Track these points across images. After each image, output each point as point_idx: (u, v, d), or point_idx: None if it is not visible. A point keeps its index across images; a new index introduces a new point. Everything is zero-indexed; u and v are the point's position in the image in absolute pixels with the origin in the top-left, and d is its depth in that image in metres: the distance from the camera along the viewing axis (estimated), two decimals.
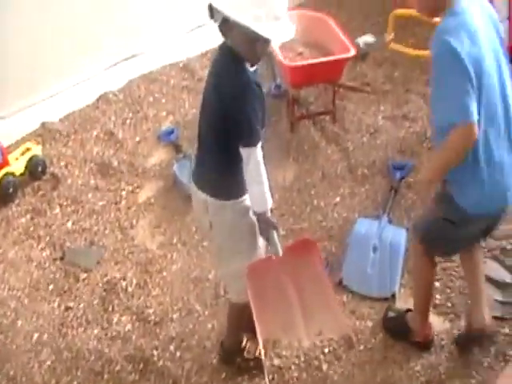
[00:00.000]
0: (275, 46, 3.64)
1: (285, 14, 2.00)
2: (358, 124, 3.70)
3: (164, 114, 3.89)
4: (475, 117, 1.93)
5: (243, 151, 2.00)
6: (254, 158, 2.01)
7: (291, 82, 3.62)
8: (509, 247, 2.87)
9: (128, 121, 3.84)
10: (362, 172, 3.36)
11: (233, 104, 1.96)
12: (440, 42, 1.97)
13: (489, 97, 2.00)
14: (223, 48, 2.00)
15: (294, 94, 3.71)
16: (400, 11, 3.98)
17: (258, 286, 2.14)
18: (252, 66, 2.02)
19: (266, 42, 1.93)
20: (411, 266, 2.55)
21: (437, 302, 2.68)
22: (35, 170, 3.38)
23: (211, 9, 1.93)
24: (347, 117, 3.76)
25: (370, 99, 3.93)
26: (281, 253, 2.17)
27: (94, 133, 3.73)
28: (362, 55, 4.17)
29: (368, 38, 4.14)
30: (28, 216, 3.22)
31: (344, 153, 3.49)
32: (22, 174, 3.35)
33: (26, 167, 3.36)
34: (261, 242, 2.22)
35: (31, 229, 3.16)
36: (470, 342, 2.48)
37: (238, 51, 1.96)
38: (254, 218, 2.14)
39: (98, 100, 3.98)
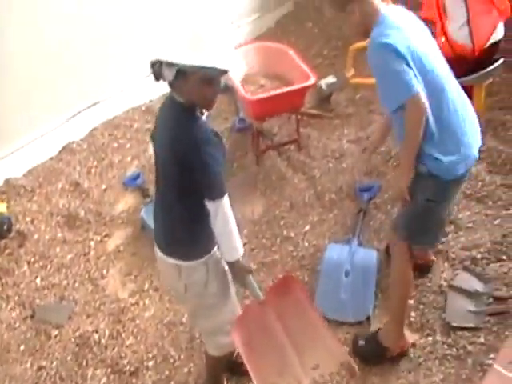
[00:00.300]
0: (236, 80, 3.70)
1: (228, 43, 2.06)
2: (323, 150, 3.75)
3: (129, 159, 3.92)
4: (417, 87, 2.13)
5: (211, 205, 1.98)
6: (222, 210, 2.00)
7: (254, 115, 3.66)
8: (478, 256, 2.91)
9: (93, 169, 3.85)
10: (330, 198, 3.39)
11: (194, 159, 1.93)
12: (373, 47, 2.20)
13: (431, 71, 2.20)
14: (172, 101, 1.99)
15: (258, 127, 3.76)
16: (357, 45, 4.04)
17: (245, 336, 2.15)
18: (207, 111, 2.04)
19: (219, 79, 1.96)
20: (391, 273, 2.57)
21: (411, 319, 2.70)
22: (1, 228, 3.37)
23: (157, 69, 1.93)
24: (312, 144, 3.81)
25: (334, 124, 4.00)
26: (261, 296, 2.20)
27: (59, 185, 3.73)
28: (327, 97, 4.20)
29: (329, 80, 4.17)
30: None
31: (311, 180, 3.52)
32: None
33: None
34: (233, 289, 2.23)
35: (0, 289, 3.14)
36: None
37: (193, 101, 1.96)
38: (226, 266, 2.16)
39: (61, 151, 4.00)
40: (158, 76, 1.95)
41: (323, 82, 4.17)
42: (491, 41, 3.12)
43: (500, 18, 3.11)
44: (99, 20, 4.02)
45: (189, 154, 1.94)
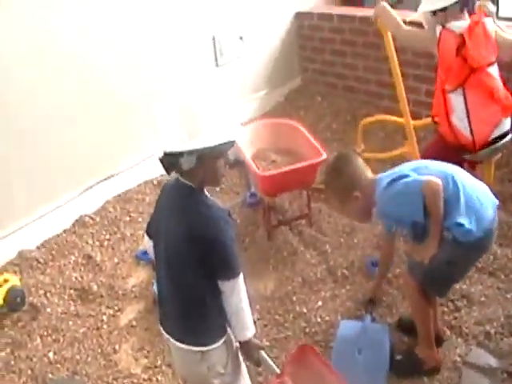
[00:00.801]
0: (248, 155, 3.85)
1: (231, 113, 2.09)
2: (334, 225, 3.86)
3: (141, 232, 4.03)
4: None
5: (226, 285, 2.04)
6: (238, 288, 2.07)
7: (265, 191, 3.79)
8: (492, 331, 2.97)
9: (105, 243, 3.97)
10: (342, 273, 3.47)
11: (213, 240, 1.99)
12: (385, 200, 2.59)
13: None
14: (180, 186, 2.04)
15: (270, 202, 3.87)
16: (367, 120, 4.23)
17: None
18: (217, 187, 2.16)
19: (227, 152, 2.04)
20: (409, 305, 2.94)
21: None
22: (14, 301, 3.46)
23: (173, 160, 1.95)
24: (323, 219, 3.93)
25: None
26: (277, 370, 2.28)
27: (72, 258, 3.85)
28: None
29: None
30: (8, 349, 3.26)
31: (323, 256, 3.62)
32: (0, 307, 3.43)
33: (4, 299, 3.44)
34: (243, 365, 2.32)
35: (12, 362, 3.19)
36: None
37: (207, 180, 2.03)
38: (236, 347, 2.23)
39: (74, 224, 4.13)
40: (172, 168, 1.99)
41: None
42: (494, 135, 3.22)
43: (503, 113, 3.21)
44: (112, 95, 4.22)
45: (208, 235, 1.99)
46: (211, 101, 2.01)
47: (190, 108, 1.96)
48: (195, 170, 1.97)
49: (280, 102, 5.51)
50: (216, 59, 4.93)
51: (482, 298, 3.18)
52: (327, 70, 5.50)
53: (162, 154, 1.96)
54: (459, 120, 3.18)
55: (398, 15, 3.45)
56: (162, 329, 2.25)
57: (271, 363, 2.28)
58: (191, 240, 2.01)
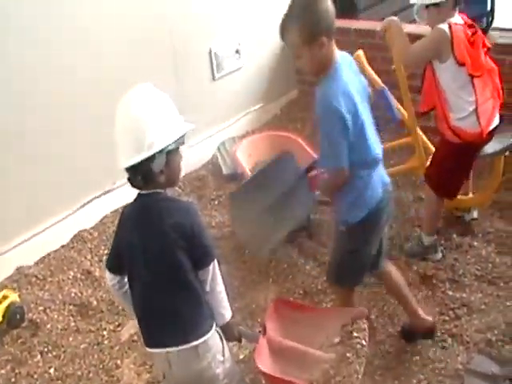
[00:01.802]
0: (246, 168, 3.91)
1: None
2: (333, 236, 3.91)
3: None
4: (345, 162, 2.48)
5: (207, 270, 2.18)
6: (216, 271, 2.22)
7: None
8: (493, 338, 3.04)
9: (104, 257, 4.02)
10: None
11: (192, 230, 2.13)
12: (325, 106, 2.45)
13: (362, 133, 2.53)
14: (145, 199, 2.16)
15: None
16: None
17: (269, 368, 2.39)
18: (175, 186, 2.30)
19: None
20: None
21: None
22: (13, 318, 3.51)
23: (145, 167, 2.05)
24: (322, 231, 4.00)
25: None
26: (258, 334, 2.53)
27: (71, 273, 3.90)
28: None
29: None
30: (8, 366, 3.31)
31: (323, 267, 3.66)
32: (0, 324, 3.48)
33: (3, 316, 3.49)
34: None
35: (13, 380, 3.23)
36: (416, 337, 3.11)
37: (172, 180, 2.17)
38: None
39: (72, 240, 4.18)
40: (147, 176, 2.08)
41: None
42: (493, 125, 3.32)
43: (497, 103, 3.33)
44: (110, 110, 4.28)
45: (187, 224, 2.13)
46: (152, 104, 2.13)
47: (138, 117, 2.09)
48: (166, 171, 2.10)
49: (276, 115, 5.59)
50: (213, 72, 5.01)
51: (482, 306, 3.25)
52: None
53: (128, 168, 2.08)
54: (464, 117, 3.24)
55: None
56: (154, 349, 2.27)
57: (251, 332, 2.51)
58: (174, 236, 2.11)
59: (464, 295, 3.31)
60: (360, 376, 2.39)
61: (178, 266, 2.15)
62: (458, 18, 3.23)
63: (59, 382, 3.20)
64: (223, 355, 2.30)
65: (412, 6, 3.41)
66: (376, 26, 4.94)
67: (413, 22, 5.41)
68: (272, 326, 2.52)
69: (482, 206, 3.89)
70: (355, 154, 2.51)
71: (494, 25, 4.22)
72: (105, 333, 3.47)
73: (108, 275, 2.33)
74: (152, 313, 2.24)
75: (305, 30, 2.42)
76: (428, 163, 3.65)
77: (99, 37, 4.11)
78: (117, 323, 3.52)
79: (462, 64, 3.14)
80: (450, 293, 3.35)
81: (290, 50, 2.55)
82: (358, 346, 2.48)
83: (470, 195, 3.78)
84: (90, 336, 3.44)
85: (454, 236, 3.74)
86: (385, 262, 3.00)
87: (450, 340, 3.08)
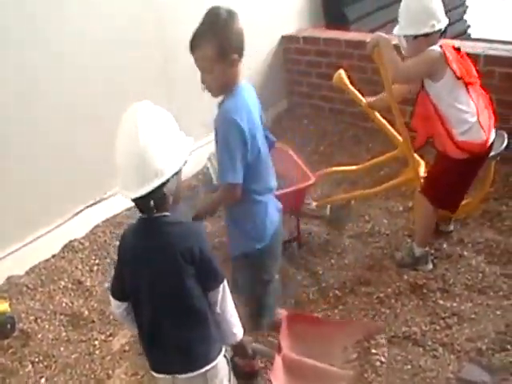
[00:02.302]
0: None
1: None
2: (324, 246, 3.97)
3: None
4: (238, 179, 2.50)
5: (217, 292, 2.13)
6: (226, 291, 2.17)
7: None
8: (484, 347, 3.06)
9: (95, 267, 4.03)
10: (334, 294, 3.55)
11: (202, 253, 2.07)
12: (226, 120, 2.50)
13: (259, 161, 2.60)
14: (156, 219, 2.06)
15: None
16: (324, 171, 4.28)
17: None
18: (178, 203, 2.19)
19: None
20: None
21: None
22: (4, 328, 3.51)
23: (159, 193, 2.00)
24: (313, 241, 4.03)
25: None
26: (274, 353, 2.59)
27: (62, 283, 3.90)
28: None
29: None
30: None
31: (314, 277, 3.71)
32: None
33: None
34: None
35: None
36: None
37: (175, 200, 2.10)
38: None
39: (63, 249, 4.19)
40: (160, 200, 2.03)
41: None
42: (492, 137, 3.39)
43: (492, 116, 3.40)
44: (102, 121, 4.30)
45: (195, 248, 2.06)
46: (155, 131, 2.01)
47: (147, 143, 1.97)
48: (173, 194, 2.08)
49: (266, 125, 5.60)
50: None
51: (473, 315, 3.28)
52: (314, 92, 5.64)
53: (142, 195, 1.98)
54: (468, 130, 3.28)
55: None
56: (161, 374, 2.24)
57: (265, 348, 2.50)
58: (184, 263, 2.06)
59: (454, 304, 3.34)
60: None
61: (187, 293, 2.10)
62: (440, 41, 3.33)
63: None
64: (229, 380, 2.29)
65: None
66: (366, 37, 5.03)
67: None
68: (286, 343, 2.52)
69: (469, 214, 3.94)
70: (254, 178, 2.58)
71: (484, 36, 4.31)
72: (96, 343, 3.47)
73: (114, 303, 2.25)
74: (160, 341, 2.17)
75: (220, 46, 2.47)
76: (424, 176, 3.69)
77: (93, 36, 4.15)
78: (108, 333, 3.52)
79: (459, 77, 3.21)
80: (441, 302, 3.38)
81: (200, 64, 2.54)
82: (378, 364, 2.52)
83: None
84: (82, 346, 3.44)
85: (445, 246, 3.78)
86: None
87: (440, 349, 3.10)
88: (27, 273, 4.02)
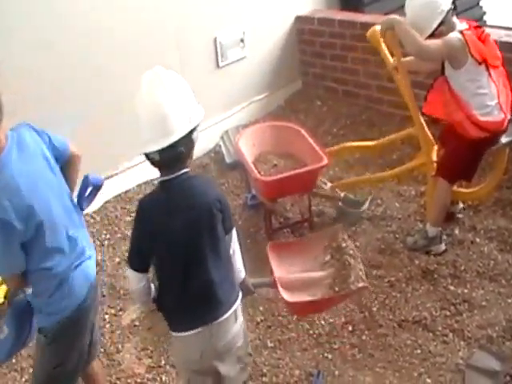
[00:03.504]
0: (249, 159, 3.89)
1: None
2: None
3: None
4: (19, 268, 2.23)
5: (232, 234, 2.33)
6: (235, 234, 2.37)
7: (266, 196, 3.83)
8: (494, 335, 3.05)
9: (106, 242, 4.01)
10: None
11: (224, 201, 2.25)
12: None
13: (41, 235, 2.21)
14: (180, 176, 2.13)
15: (270, 206, 3.90)
16: (332, 149, 4.21)
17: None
18: None
19: None
20: None
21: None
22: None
23: (187, 140, 2.10)
24: (324, 222, 3.99)
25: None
26: (271, 280, 2.80)
27: None
28: None
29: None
30: None
31: None
32: (1, 304, 3.44)
33: (4, 297, 3.45)
34: None
35: (14, 361, 3.22)
36: None
37: (191, 160, 2.20)
38: None
39: None
40: (188, 149, 2.13)
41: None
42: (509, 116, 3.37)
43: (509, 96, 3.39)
44: (114, 96, 4.27)
45: (220, 197, 2.25)
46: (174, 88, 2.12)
47: (178, 93, 2.10)
48: (189, 150, 2.16)
49: (280, 106, 5.57)
50: (217, 60, 4.98)
51: (484, 303, 3.25)
52: (327, 74, 5.56)
53: (165, 148, 2.06)
54: (489, 110, 3.27)
55: None
56: (198, 328, 2.23)
57: (263, 280, 2.82)
58: (215, 209, 2.19)
59: (465, 291, 3.32)
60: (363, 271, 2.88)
61: (219, 237, 2.23)
62: (461, 25, 3.27)
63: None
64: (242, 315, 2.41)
65: None
66: (381, 20, 4.95)
67: None
68: (276, 269, 2.87)
69: (482, 201, 3.90)
70: (38, 255, 2.24)
71: (500, 23, 4.22)
72: (106, 317, 3.46)
73: (136, 278, 2.23)
74: (197, 292, 2.21)
75: None
76: (439, 157, 3.65)
77: (109, 25, 4.12)
78: (118, 308, 3.51)
79: (482, 62, 3.18)
80: (452, 288, 3.35)
81: None
82: (351, 252, 2.95)
83: (471, 189, 3.76)
84: None
85: (456, 232, 3.75)
86: (95, 355, 2.69)
87: (451, 335, 3.08)
88: None
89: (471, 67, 3.19)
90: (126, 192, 4.50)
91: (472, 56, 3.17)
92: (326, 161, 3.78)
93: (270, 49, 5.45)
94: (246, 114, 5.31)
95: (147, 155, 2.12)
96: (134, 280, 2.25)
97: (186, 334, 2.25)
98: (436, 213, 3.62)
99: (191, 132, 2.10)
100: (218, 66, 5.00)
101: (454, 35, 3.20)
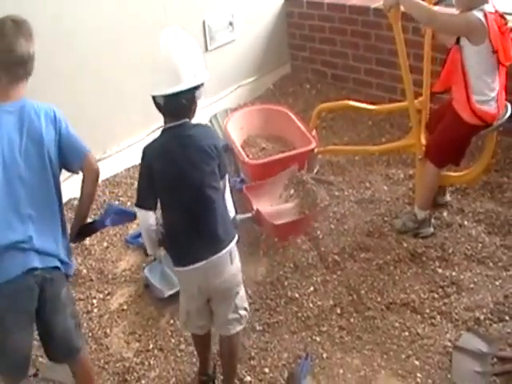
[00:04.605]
0: (237, 142, 3.86)
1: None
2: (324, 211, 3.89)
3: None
4: None
5: (226, 177, 2.56)
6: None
7: (254, 179, 3.80)
8: (481, 317, 3.03)
9: None
10: (333, 259, 3.50)
11: (221, 147, 2.48)
12: None
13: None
14: (182, 124, 2.40)
15: None
16: (325, 105, 4.18)
17: None
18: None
19: None
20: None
21: (418, 380, 2.80)
22: None
23: (194, 91, 2.35)
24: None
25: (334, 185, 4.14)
26: (252, 212, 3.33)
27: None
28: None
29: None
30: None
31: (313, 242, 3.64)
32: None
33: None
34: None
35: None
36: None
37: (191, 113, 2.44)
38: None
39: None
40: (192, 101, 2.39)
41: None
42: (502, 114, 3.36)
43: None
44: (102, 80, 4.21)
45: (218, 143, 2.49)
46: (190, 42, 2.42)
47: (193, 47, 2.41)
48: (194, 103, 2.42)
49: (269, 89, 5.52)
50: (206, 43, 4.92)
51: (471, 285, 3.24)
52: (316, 57, 5.51)
53: (169, 95, 2.32)
54: (486, 101, 3.25)
55: None
56: (195, 264, 2.43)
57: (246, 215, 3.26)
58: (212, 153, 2.41)
59: (453, 274, 3.30)
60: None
61: (217, 179, 2.45)
62: (490, 7, 3.17)
63: None
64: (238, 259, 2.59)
65: None
66: (371, 3, 4.90)
67: None
68: (256, 204, 3.42)
69: (470, 184, 3.88)
70: None
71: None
72: (94, 301, 3.43)
73: (148, 215, 2.47)
74: (196, 229, 2.43)
75: None
76: (428, 143, 3.61)
77: (95, 8, 4.07)
78: (106, 292, 3.48)
79: (495, 51, 3.12)
80: (440, 271, 3.33)
81: None
82: (312, 181, 3.52)
83: (460, 173, 3.74)
84: (80, 304, 3.39)
85: (445, 215, 3.72)
86: (65, 356, 2.61)
87: (438, 317, 3.07)
88: None
89: (485, 51, 3.13)
90: (115, 176, 4.45)
91: (490, 40, 3.09)
92: (314, 144, 3.75)
93: (259, 32, 5.40)
94: (235, 98, 5.27)
95: (154, 99, 2.39)
96: (142, 218, 2.49)
97: (187, 268, 2.45)
98: (424, 196, 3.60)
99: (195, 89, 2.34)
100: (206, 49, 4.94)
101: (477, 13, 3.09)
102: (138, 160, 4.36)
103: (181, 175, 2.38)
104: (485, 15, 3.09)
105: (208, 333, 2.77)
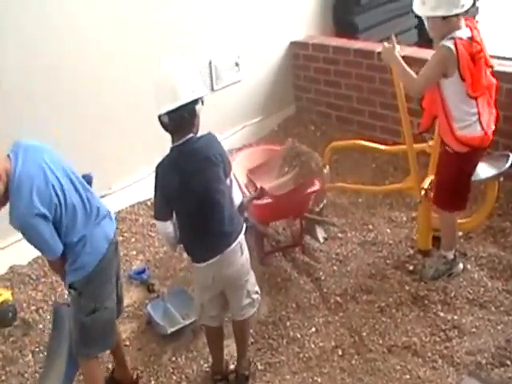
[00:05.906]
0: (241, 182, 3.94)
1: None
2: (327, 253, 3.97)
3: (134, 253, 4.11)
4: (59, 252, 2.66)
5: (230, 175, 2.83)
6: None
7: (258, 219, 3.88)
8: (483, 361, 3.07)
9: None
10: (335, 300, 3.57)
11: (223, 151, 2.80)
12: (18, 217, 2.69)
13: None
14: (188, 141, 2.67)
15: (262, 229, 3.96)
16: (337, 143, 4.36)
17: None
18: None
19: None
20: None
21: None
22: (5, 316, 3.53)
23: (193, 107, 2.64)
24: (316, 247, 4.03)
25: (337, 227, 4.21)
26: (259, 191, 3.53)
27: None
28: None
29: None
30: None
31: (316, 282, 3.72)
32: None
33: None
34: None
35: (3, 378, 3.25)
36: None
37: (194, 127, 2.71)
38: None
39: None
40: (193, 115, 2.66)
41: None
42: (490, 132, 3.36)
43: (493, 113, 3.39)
44: (109, 119, 4.33)
45: (224, 152, 2.83)
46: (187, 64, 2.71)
47: (192, 67, 2.70)
48: (199, 116, 2.71)
49: (274, 130, 5.64)
50: (212, 83, 5.05)
51: (473, 329, 3.29)
52: (321, 99, 5.65)
53: (172, 111, 2.60)
54: (467, 126, 3.27)
55: None
56: (214, 258, 2.77)
57: (252, 195, 3.51)
58: (216, 160, 2.72)
59: (455, 317, 3.35)
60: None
61: (222, 181, 2.76)
62: (464, 32, 3.20)
63: None
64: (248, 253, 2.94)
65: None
66: (375, 47, 5.04)
67: (412, 45, 5.52)
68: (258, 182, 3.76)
69: (473, 230, 3.95)
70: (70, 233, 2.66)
71: (492, 53, 4.30)
72: None
73: (166, 226, 2.80)
74: (207, 229, 2.76)
75: None
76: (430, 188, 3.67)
77: (107, 48, 4.22)
78: None
79: (463, 80, 3.16)
80: (442, 314, 3.39)
81: None
82: (306, 150, 3.90)
83: (463, 220, 3.82)
84: None
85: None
86: (121, 312, 3.11)
87: (440, 361, 3.11)
88: (30, 263, 4.03)
89: (456, 80, 3.17)
90: (119, 212, 4.52)
91: (459, 71, 3.14)
92: (317, 186, 3.82)
93: (264, 73, 5.55)
94: (240, 138, 5.39)
95: (160, 120, 2.65)
96: (160, 228, 2.86)
97: (204, 264, 2.79)
98: (447, 238, 3.67)
99: (195, 103, 2.63)
100: (212, 88, 5.07)
101: (446, 43, 3.14)
102: (142, 197, 4.57)
103: (189, 185, 2.67)
104: (455, 43, 3.13)
105: (220, 329, 3.07)
